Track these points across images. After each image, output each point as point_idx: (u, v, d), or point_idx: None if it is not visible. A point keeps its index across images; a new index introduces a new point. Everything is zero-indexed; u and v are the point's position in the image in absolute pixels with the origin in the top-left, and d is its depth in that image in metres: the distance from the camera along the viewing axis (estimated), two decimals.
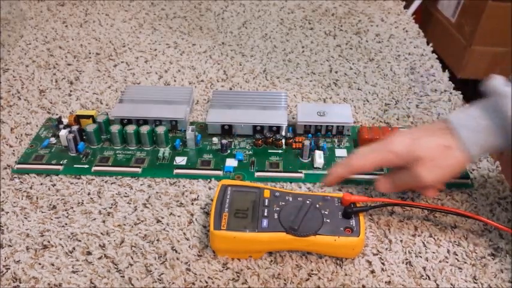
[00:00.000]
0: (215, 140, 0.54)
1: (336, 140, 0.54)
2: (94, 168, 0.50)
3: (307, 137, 0.54)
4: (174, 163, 0.51)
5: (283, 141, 0.53)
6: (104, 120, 0.53)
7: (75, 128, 0.52)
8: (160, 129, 0.52)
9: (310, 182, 0.49)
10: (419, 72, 0.68)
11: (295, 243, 0.40)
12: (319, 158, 0.50)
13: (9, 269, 0.40)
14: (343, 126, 0.54)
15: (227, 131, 0.54)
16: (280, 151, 0.53)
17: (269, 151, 0.53)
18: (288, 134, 0.53)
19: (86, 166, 0.50)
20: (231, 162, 0.51)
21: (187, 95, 0.58)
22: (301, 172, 0.50)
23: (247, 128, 0.54)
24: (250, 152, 0.52)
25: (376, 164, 0.44)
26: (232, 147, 0.53)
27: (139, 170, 0.50)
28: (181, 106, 0.56)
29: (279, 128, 0.54)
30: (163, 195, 0.48)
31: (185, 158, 0.52)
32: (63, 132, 0.52)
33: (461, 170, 0.41)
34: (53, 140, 0.54)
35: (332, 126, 0.54)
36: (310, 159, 0.51)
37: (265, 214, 0.41)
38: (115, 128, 0.52)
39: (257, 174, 0.50)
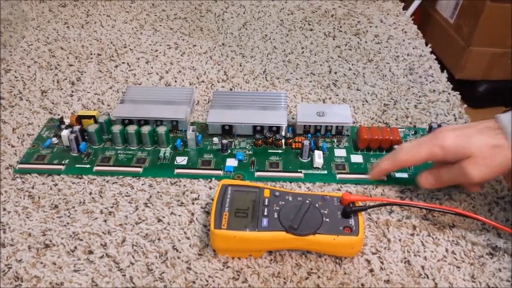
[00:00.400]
0: (215, 140, 0.54)
1: (335, 140, 0.55)
2: (95, 168, 0.50)
3: (306, 137, 0.54)
4: (175, 163, 0.51)
5: (283, 141, 0.53)
6: (105, 120, 0.54)
7: (76, 128, 0.52)
8: (161, 130, 0.52)
9: (310, 181, 0.49)
10: (417, 73, 0.69)
11: (295, 242, 0.40)
12: (318, 158, 0.50)
13: (11, 268, 0.41)
14: (342, 126, 0.55)
15: (227, 131, 0.55)
16: (280, 151, 0.53)
17: (269, 151, 0.53)
18: (288, 134, 0.54)
19: (88, 166, 0.51)
20: (231, 162, 0.51)
21: (188, 96, 0.58)
22: (300, 172, 0.50)
23: (247, 128, 0.54)
24: (250, 152, 0.53)
25: (424, 159, 0.44)
26: (233, 147, 0.54)
27: (140, 169, 0.50)
28: (182, 106, 0.56)
29: (278, 128, 0.54)
30: (164, 195, 0.48)
31: (186, 158, 0.52)
32: (65, 133, 0.52)
33: (509, 169, 0.42)
34: (54, 140, 0.54)
35: (331, 126, 0.55)
36: (309, 159, 0.52)
37: (265, 213, 0.41)
38: (116, 128, 0.52)
39: (257, 174, 0.50)
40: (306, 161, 0.52)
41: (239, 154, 0.52)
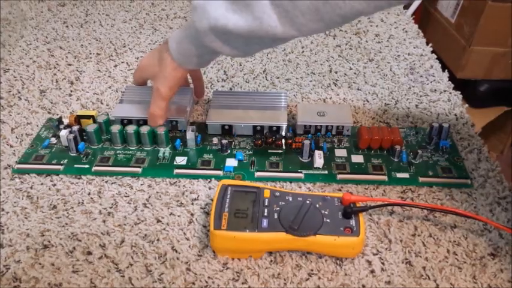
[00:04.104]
0: (215, 140, 0.54)
1: (335, 140, 0.54)
2: (94, 168, 0.50)
3: (307, 137, 0.54)
4: (175, 163, 0.51)
5: (283, 141, 0.53)
6: (104, 120, 0.54)
7: (75, 128, 0.52)
8: (161, 130, 0.52)
9: (310, 182, 0.49)
10: (418, 73, 0.69)
11: (295, 243, 0.40)
12: (319, 158, 0.50)
13: (9, 268, 0.40)
14: (342, 126, 0.54)
15: (227, 131, 0.55)
16: (280, 151, 0.53)
17: (269, 151, 0.53)
18: (288, 134, 0.53)
19: (87, 166, 0.50)
20: (231, 162, 0.51)
21: (187, 95, 0.58)
22: (301, 172, 0.50)
23: (247, 128, 0.54)
24: (250, 152, 0.53)
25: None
26: (232, 147, 0.53)
27: (139, 170, 0.50)
28: (181, 106, 0.56)
29: (279, 128, 0.54)
30: (163, 195, 0.48)
31: (185, 158, 0.52)
32: (63, 132, 0.52)
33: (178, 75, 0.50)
34: (53, 140, 0.54)
35: (332, 126, 0.54)
36: (310, 159, 0.52)
37: (265, 214, 0.41)
38: (115, 128, 0.52)
39: (257, 174, 0.50)
40: (306, 161, 0.51)
41: (239, 154, 0.52)
